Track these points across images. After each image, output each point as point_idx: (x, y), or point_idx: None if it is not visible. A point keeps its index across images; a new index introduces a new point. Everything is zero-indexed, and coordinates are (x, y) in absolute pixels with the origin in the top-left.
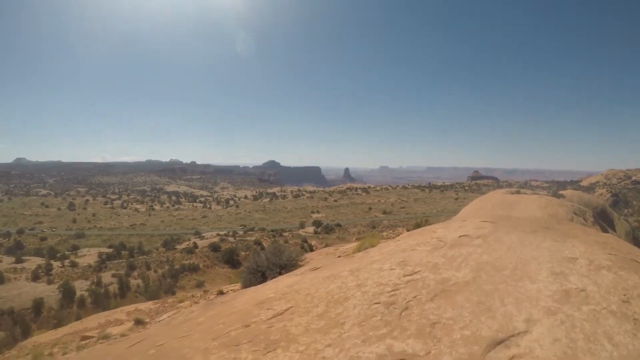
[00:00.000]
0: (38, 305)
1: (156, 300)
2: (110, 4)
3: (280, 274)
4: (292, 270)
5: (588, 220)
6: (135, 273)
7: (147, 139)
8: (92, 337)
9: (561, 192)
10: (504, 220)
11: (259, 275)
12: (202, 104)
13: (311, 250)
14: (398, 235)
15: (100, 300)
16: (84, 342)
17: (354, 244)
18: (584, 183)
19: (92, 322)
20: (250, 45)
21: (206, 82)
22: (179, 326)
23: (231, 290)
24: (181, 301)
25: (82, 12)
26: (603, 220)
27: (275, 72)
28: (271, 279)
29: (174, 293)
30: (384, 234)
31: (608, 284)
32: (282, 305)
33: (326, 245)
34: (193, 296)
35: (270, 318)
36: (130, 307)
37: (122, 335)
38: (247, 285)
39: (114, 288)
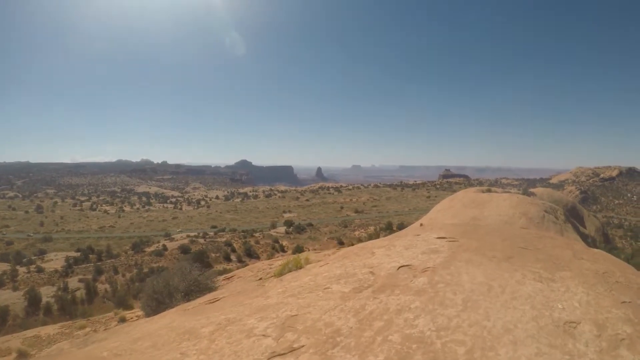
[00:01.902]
0: (3, 314)
1: (64, 324)
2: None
3: (188, 300)
4: (202, 295)
5: (559, 219)
6: (102, 278)
7: (118, 138)
8: None
9: (532, 190)
10: (469, 233)
11: (164, 301)
12: (173, 104)
13: (282, 250)
14: (338, 251)
15: (67, 307)
16: None
17: (285, 260)
18: (554, 181)
19: None
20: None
21: (178, 81)
22: None
23: (135, 316)
24: (81, 327)
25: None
26: (574, 217)
27: (246, 72)
28: (175, 306)
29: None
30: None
31: None
32: None
33: (297, 247)
34: (99, 321)
35: None
36: (32, 332)
37: None
38: (148, 313)
39: (81, 294)
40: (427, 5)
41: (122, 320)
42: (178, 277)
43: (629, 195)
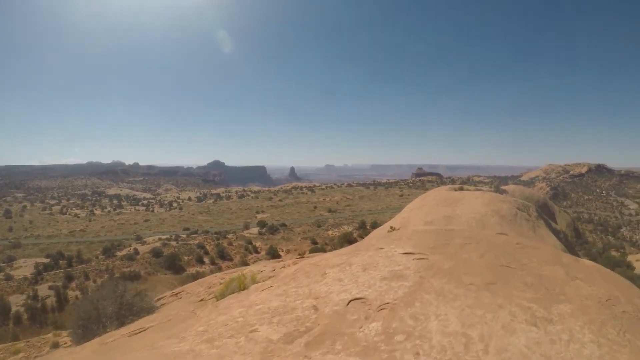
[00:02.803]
0: None
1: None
2: None
3: (122, 324)
4: (139, 318)
5: (532, 215)
6: (73, 284)
7: (88, 139)
8: None
9: (503, 187)
10: (441, 247)
11: (91, 327)
12: (146, 104)
13: (256, 252)
14: (293, 266)
15: (37, 316)
16: None
17: (229, 278)
18: (525, 178)
19: None
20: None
21: (149, 81)
22: None
23: (70, 341)
24: (15, 353)
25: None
26: (545, 213)
27: (219, 72)
28: (103, 334)
29: None
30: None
31: None
32: None
33: (271, 247)
34: (35, 344)
35: None
36: None
37: None
38: (75, 340)
39: (51, 301)
40: (399, 6)
41: (55, 346)
42: (109, 299)
43: (598, 191)
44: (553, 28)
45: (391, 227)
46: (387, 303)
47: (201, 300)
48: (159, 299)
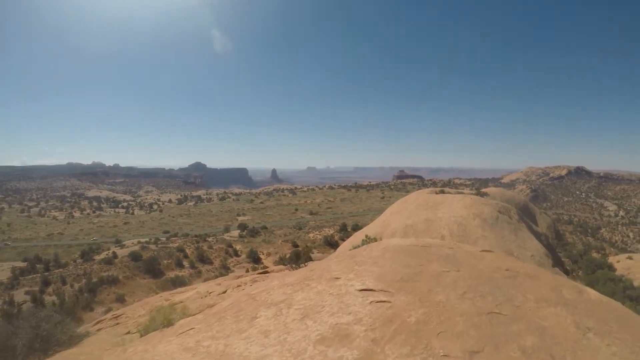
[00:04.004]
0: None
1: None
2: None
3: (47, 355)
4: (63, 349)
5: (513, 218)
6: (50, 289)
7: (68, 140)
8: None
9: (484, 189)
10: (410, 282)
11: None
12: (127, 105)
13: (236, 255)
14: (228, 298)
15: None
16: None
17: (154, 313)
18: (505, 180)
19: None
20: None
21: (131, 82)
22: None
23: None
24: None
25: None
26: (526, 216)
27: (201, 74)
28: None
29: (92, 309)
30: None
31: None
32: None
33: (251, 251)
34: None
35: None
36: None
37: None
38: None
39: (27, 307)
40: (381, 10)
41: None
42: (23, 330)
43: (577, 193)
44: (533, 32)
45: (366, 236)
46: None
47: (127, 333)
48: (96, 323)
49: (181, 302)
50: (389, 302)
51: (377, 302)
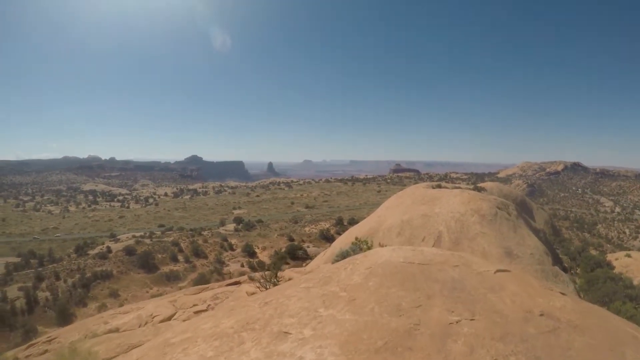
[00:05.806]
0: None
1: None
2: None
3: None
4: None
5: (512, 214)
6: (44, 285)
7: (64, 133)
8: None
9: (481, 184)
10: (398, 347)
11: None
12: (123, 98)
13: (231, 249)
14: (166, 332)
15: (7, 318)
16: None
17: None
18: (501, 175)
19: None
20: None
21: (126, 74)
22: None
23: None
24: None
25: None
26: (524, 211)
27: (197, 67)
28: None
29: (85, 305)
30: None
31: None
32: None
33: (246, 245)
34: None
35: None
36: None
37: None
38: None
39: (20, 303)
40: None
41: None
42: None
43: (573, 188)
44: (529, 27)
45: (356, 239)
46: None
47: None
48: (28, 347)
49: (111, 331)
50: None
51: None
